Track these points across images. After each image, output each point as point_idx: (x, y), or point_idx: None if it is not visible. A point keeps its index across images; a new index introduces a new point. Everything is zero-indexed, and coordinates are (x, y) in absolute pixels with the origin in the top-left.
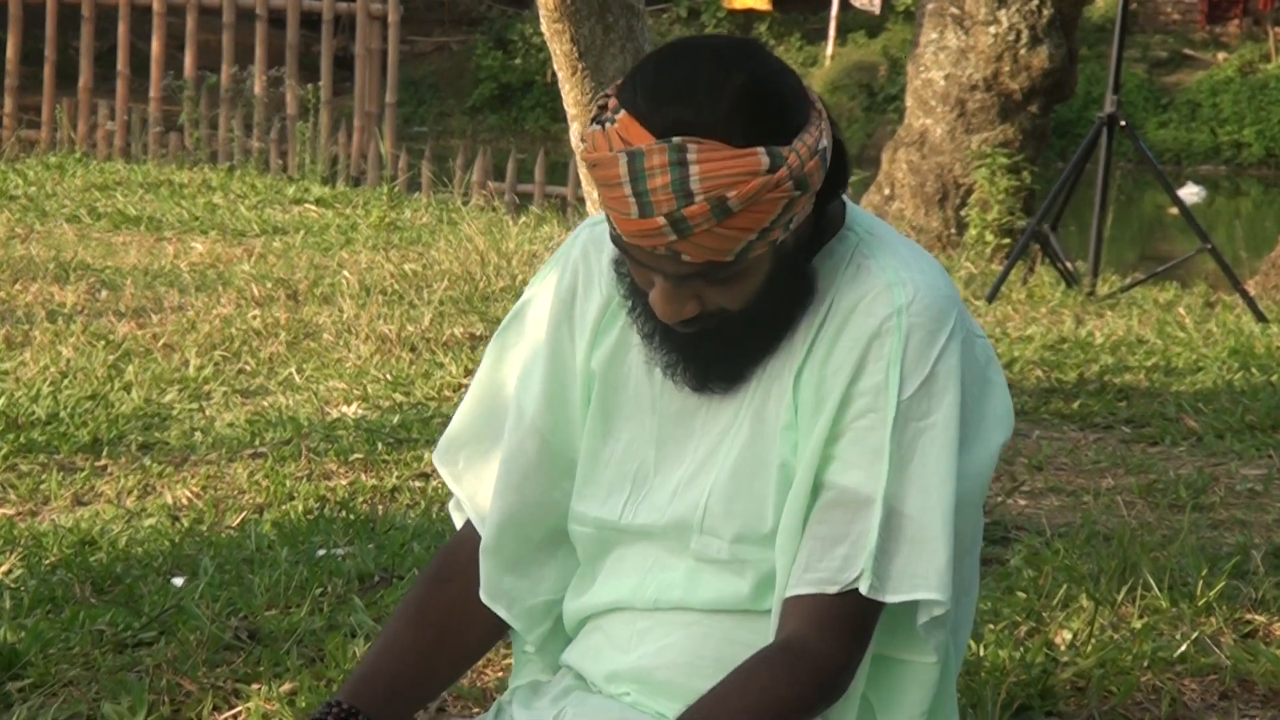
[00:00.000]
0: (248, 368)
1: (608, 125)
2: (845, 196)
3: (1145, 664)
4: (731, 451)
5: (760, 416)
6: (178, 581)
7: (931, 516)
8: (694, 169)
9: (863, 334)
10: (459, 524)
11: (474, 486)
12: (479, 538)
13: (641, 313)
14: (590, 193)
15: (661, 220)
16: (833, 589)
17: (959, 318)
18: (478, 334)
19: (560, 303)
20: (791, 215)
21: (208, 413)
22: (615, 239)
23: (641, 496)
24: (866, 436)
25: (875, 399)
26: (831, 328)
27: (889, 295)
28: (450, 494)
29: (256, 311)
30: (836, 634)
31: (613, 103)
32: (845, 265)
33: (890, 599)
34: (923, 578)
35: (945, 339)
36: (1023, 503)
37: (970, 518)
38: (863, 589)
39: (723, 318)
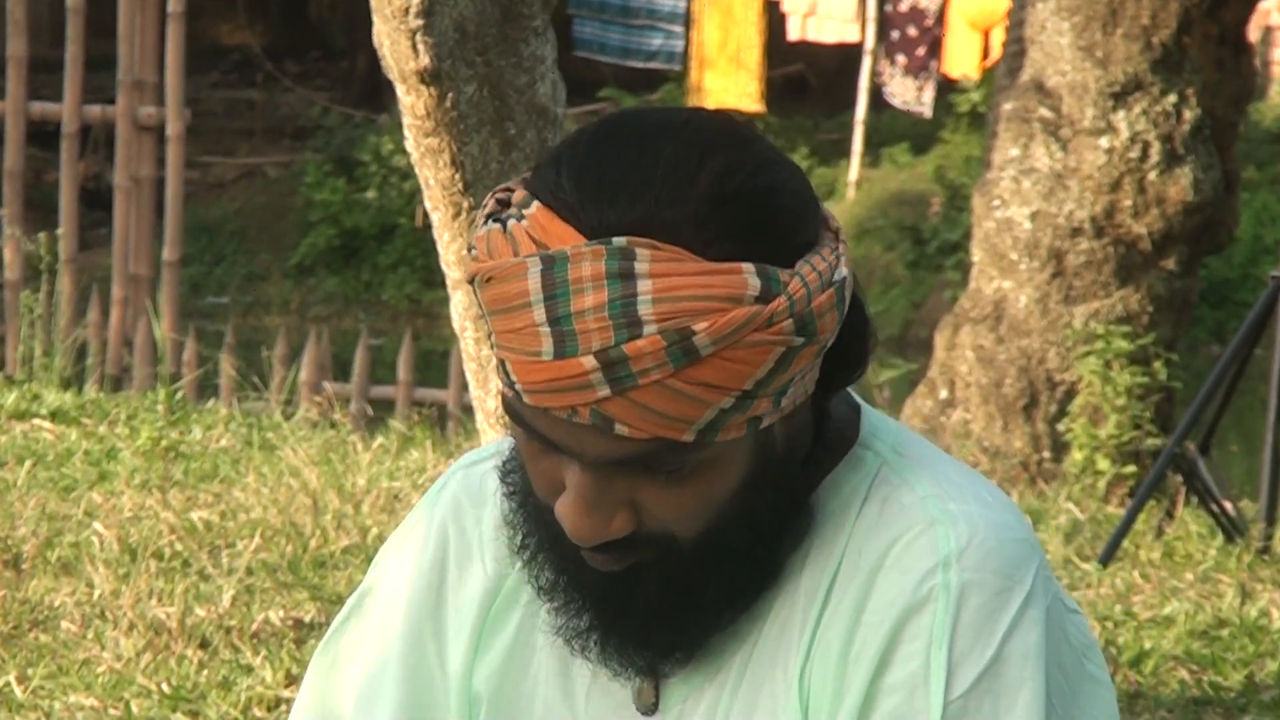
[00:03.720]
0: None
1: (511, 224)
2: (858, 398)
3: None
4: None
5: None
6: None
7: None
8: (644, 284)
9: (894, 601)
10: None
11: None
12: None
13: (539, 548)
14: (483, 399)
15: (590, 362)
16: None
17: (1040, 574)
18: (307, 620)
19: (422, 589)
20: (788, 380)
21: None
22: (511, 407)
23: None
24: None
25: (911, 699)
26: (848, 595)
27: (931, 539)
28: None
29: None
30: None
31: (519, 195)
32: (863, 500)
33: None
34: None
35: (1020, 605)
36: None
37: None
38: None
39: (664, 549)
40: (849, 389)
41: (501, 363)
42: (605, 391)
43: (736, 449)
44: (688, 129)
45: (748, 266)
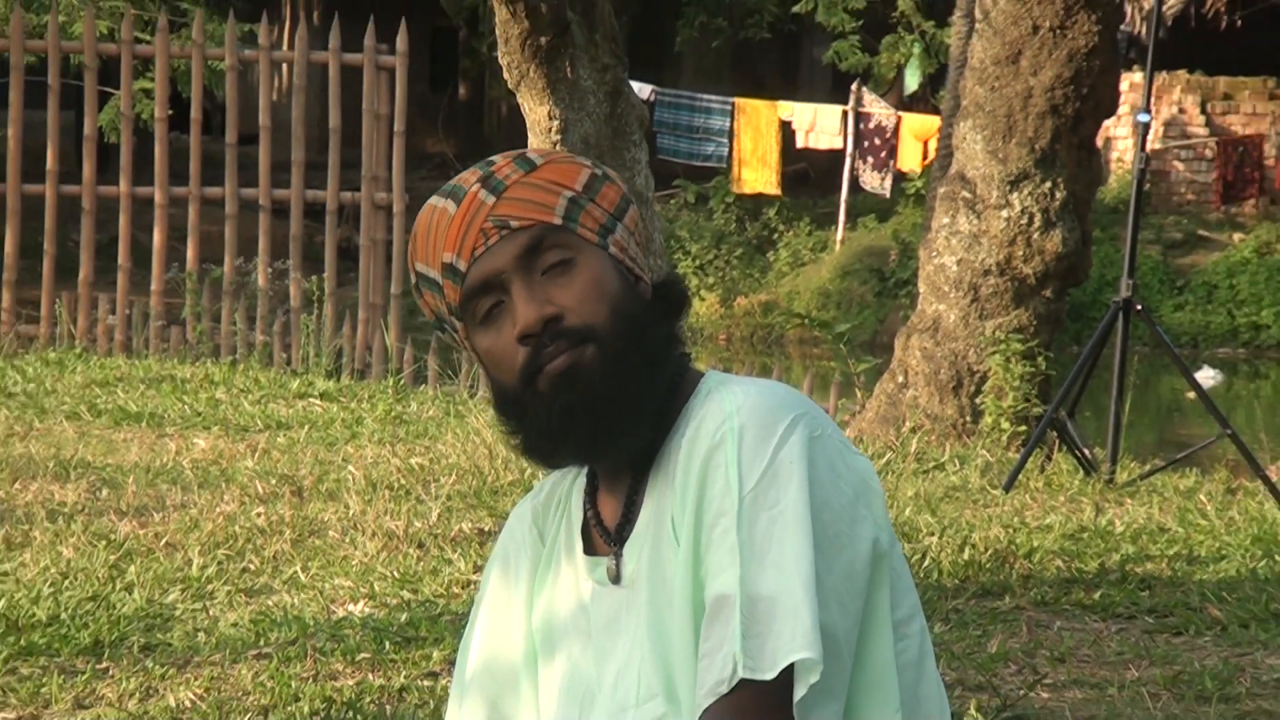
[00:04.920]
0: (252, 566)
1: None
2: (709, 370)
3: None
4: (643, 620)
5: (657, 574)
6: None
7: (790, 589)
8: (498, 159)
9: (701, 451)
10: None
11: None
12: None
13: (524, 417)
14: None
15: (475, 187)
16: (724, 689)
17: (802, 417)
18: (486, 529)
19: (497, 593)
20: (609, 210)
21: (211, 613)
22: (466, 296)
23: (590, 710)
24: (723, 540)
25: (722, 502)
26: (681, 460)
27: (719, 407)
28: None
29: (260, 509)
30: None
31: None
32: (698, 414)
33: (769, 675)
34: (789, 642)
35: (782, 431)
36: (1045, 696)
37: (847, 622)
38: (740, 672)
39: (592, 337)
40: (707, 367)
41: (439, 286)
42: (490, 199)
43: (602, 261)
44: None
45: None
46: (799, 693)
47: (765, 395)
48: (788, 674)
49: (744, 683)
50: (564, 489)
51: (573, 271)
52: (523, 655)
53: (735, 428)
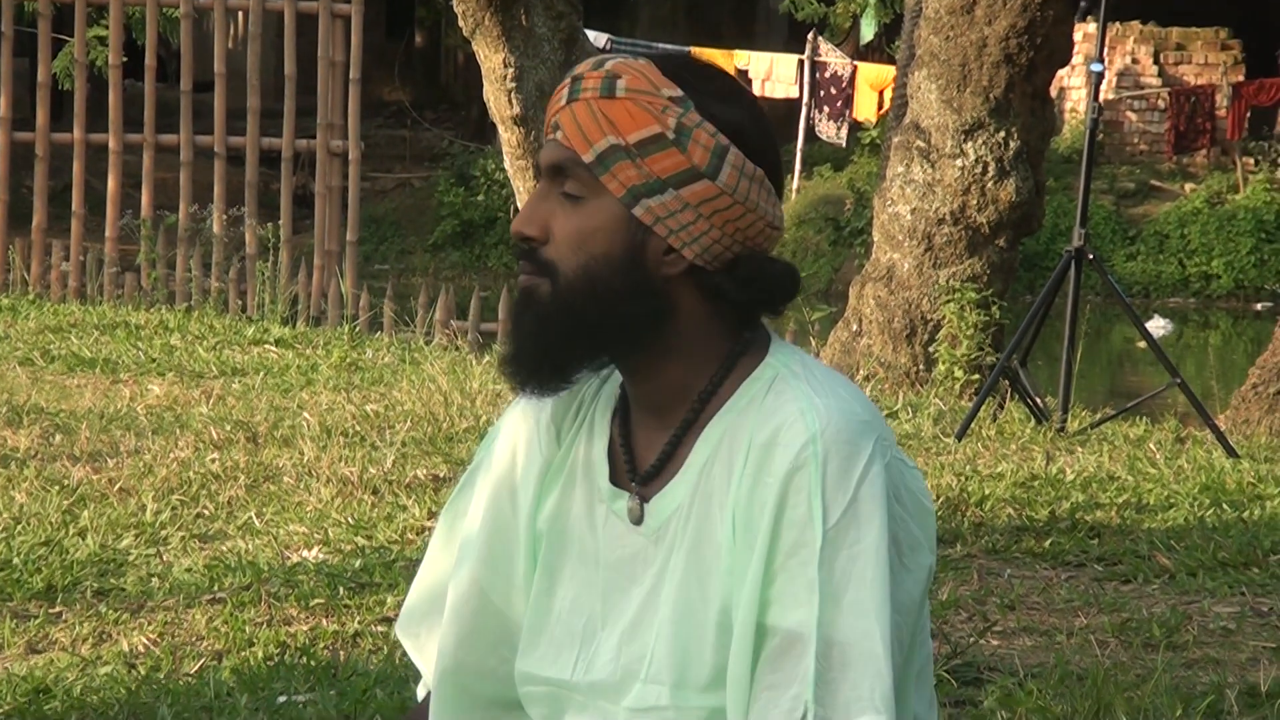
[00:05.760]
0: (206, 512)
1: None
2: (774, 333)
3: None
4: (670, 593)
5: (696, 555)
6: None
7: (870, 640)
8: (610, 61)
9: (782, 468)
10: (420, 697)
11: (434, 658)
12: None
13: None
14: None
15: (567, 81)
16: None
17: (879, 442)
18: (441, 476)
19: (502, 469)
20: (656, 171)
21: (165, 558)
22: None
23: (592, 651)
24: (800, 573)
25: (803, 533)
26: (751, 460)
27: (802, 424)
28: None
29: (215, 455)
30: None
31: None
32: (764, 395)
33: None
34: (868, 700)
35: (865, 462)
36: (995, 643)
37: (900, 657)
38: (810, 719)
39: (550, 275)
40: (771, 332)
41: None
42: (564, 101)
43: (611, 216)
44: None
45: (679, 90)
46: None
47: (847, 416)
48: None
49: None
50: (588, 394)
51: (578, 210)
52: (524, 554)
53: (819, 454)
